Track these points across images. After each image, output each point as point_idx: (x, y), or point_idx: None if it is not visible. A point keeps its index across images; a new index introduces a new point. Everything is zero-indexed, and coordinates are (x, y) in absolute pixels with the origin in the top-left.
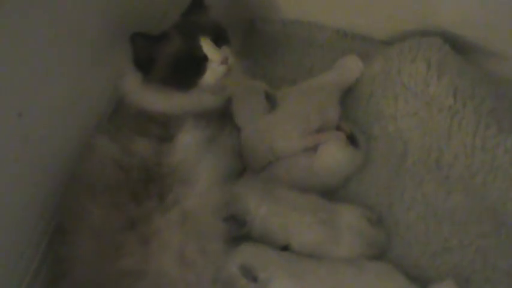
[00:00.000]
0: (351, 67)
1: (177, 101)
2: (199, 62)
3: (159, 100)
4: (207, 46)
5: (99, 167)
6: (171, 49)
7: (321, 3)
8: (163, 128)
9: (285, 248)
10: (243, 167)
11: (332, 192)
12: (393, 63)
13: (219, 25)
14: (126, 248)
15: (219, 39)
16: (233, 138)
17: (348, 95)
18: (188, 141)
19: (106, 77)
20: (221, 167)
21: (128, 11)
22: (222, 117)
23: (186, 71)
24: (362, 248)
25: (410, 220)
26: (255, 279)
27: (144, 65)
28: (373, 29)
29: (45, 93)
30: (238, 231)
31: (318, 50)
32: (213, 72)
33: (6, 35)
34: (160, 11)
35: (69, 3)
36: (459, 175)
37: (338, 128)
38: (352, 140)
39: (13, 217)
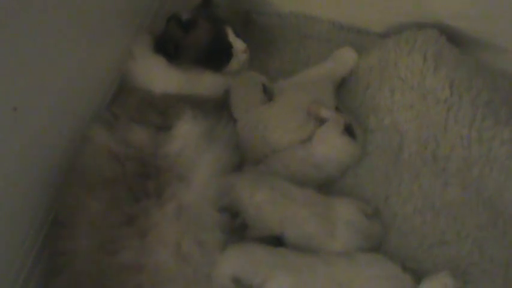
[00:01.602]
0: (345, 58)
1: (203, 82)
2: (226, 49)
3: (184, 82)
4: (232, 35)
5: (96, 160)
6: (204, 35)
7: None
8: (162, 116)
9: (279, 239)
10: (241, 159)
11: (328, 185)
12: (389, 55)
13: (229, 19)
14: (124, 242)
15: (234, 32)
16: (230, 130)
17: (344, 87)
18: (186, 130)
19: (103, 67)
20: (219, 160)
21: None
22: (218, 109)
23: (217, 56)
24: (358, 241)
25: (407, 212)
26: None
27: (171, 47)
28: (370, 22)
29: (41, 87)
30: (232, 221)
31: (314, 43)
32: (238, 59)
33: (1, 27)
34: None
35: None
36: (456, 167)
37: None
38: (349, 131)
39: (10, 211)
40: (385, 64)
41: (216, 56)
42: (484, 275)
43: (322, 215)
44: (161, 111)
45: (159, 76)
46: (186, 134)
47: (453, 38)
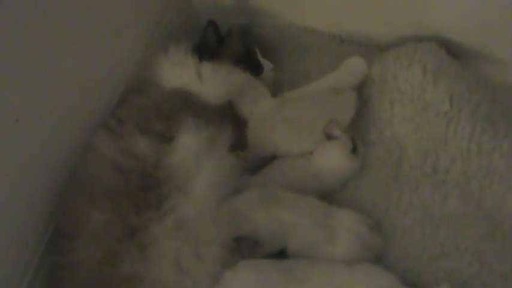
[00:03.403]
0: (354, 69)
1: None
2: (258, 62)
3: (205, 77)
4: (259, 55)
5: (99, 171)
6: (238, 43)
7: (316, 8)
8: (165, 123)
9: (282, 252)
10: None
11: (328, 197)
12: (389, 68)
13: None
14: (125, 254)
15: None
16: (232, 140)
17: None
18: (188, 142)
19: (107, 75)
20: (220, 173)
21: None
22: (221, 118)
23: (250, 63)
24: (359, 252)
25: (407, 225)
26: None
27: (206, 48)
28: (369, 34)
29: (44, 97)
30: (251, 251)
31: (315, 55)
32: (267, 75)
33: (3, 37)
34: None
35: (68, 5)
36: (455, 180)
37: None
38: (353, 147)
39: (11, 222)
40: (385, 77)
41: (249, 63)
42: (483, 287)
43: (324, 223)
44: (165, 117)
45: (181, 69)
46: (188, 145)
47: (452, 51)
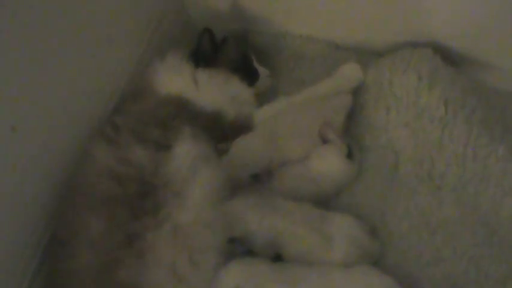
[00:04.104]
0: (349, 75)
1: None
2: (254, 69)
3: (201, 85)
4: (255, 62)
5: (96, 179)
6: (234, 50)
7: (312, 15)
8: (162, 131)
9: (277, 256)
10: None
11: (324, 203)
12: (385, 74)
13: None
14: (123, 261)
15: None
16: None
17: None
18: (186, 151)
19: (103, 81)
20: (216, 180)
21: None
22: (216, 125)
23: (246, 70)
24: (356, 257)
25: (403, 230)
26: None
27: (202, 57)
28: (365, 41)
29: (40, 105)
30: (244, 252)
31: (310, 62)
32: (263, 82)
33: None
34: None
35: (64, 12)
36: (451, 185)
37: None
38: (348, 152)
39: (7, 230)
40: (380, 83)
41: (245, 71)
42: None
43: (320, 230)
44: (161, 124)
45: (177, 75)
46: (185, 154)
47: (447, 56)
